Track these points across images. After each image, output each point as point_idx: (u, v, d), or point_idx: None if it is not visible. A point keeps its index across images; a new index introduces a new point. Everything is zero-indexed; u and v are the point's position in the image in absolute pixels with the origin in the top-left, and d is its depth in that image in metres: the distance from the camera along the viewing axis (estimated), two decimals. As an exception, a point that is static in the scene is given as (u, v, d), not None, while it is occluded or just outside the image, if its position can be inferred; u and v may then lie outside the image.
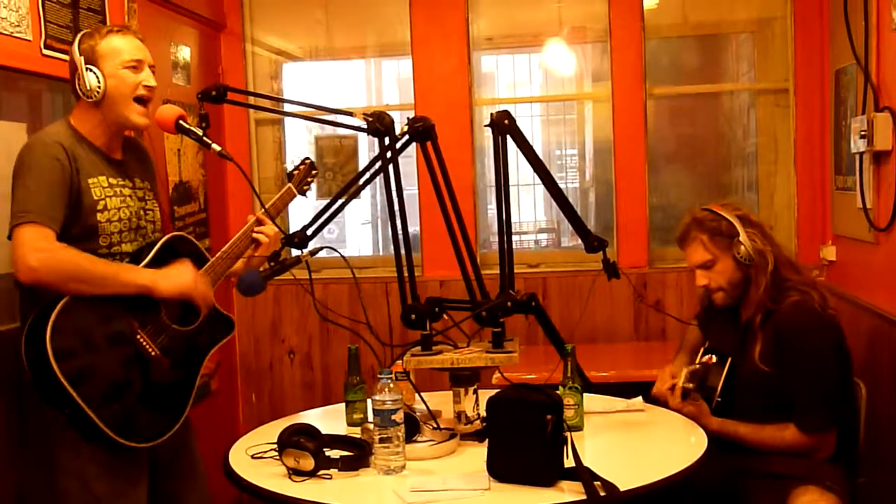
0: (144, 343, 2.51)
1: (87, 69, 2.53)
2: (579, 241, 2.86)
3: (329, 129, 4.76)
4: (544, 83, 5.19)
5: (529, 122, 5.44)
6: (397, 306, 2.74)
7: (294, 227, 4.73)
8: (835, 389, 2.76)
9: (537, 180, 2.83)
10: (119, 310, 2.48)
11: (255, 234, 2.77)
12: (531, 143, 2.78)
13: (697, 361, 2.89)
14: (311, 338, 4.64)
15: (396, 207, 2.67)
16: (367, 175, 2.73)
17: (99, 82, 2.54)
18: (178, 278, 2.57)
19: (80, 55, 2.55)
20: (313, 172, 2.98)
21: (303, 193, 2.96)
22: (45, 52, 2.95)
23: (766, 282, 2.79)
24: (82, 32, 2.63)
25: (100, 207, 2.53)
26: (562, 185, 2.87)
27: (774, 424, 2.75)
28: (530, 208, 6.40)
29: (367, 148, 4.98)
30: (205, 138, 2.65)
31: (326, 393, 4.62)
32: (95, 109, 2.57)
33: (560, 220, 5.30)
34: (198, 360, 2.69)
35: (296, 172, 2.94)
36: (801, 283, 2.84)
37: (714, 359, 2.84)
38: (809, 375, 2.72)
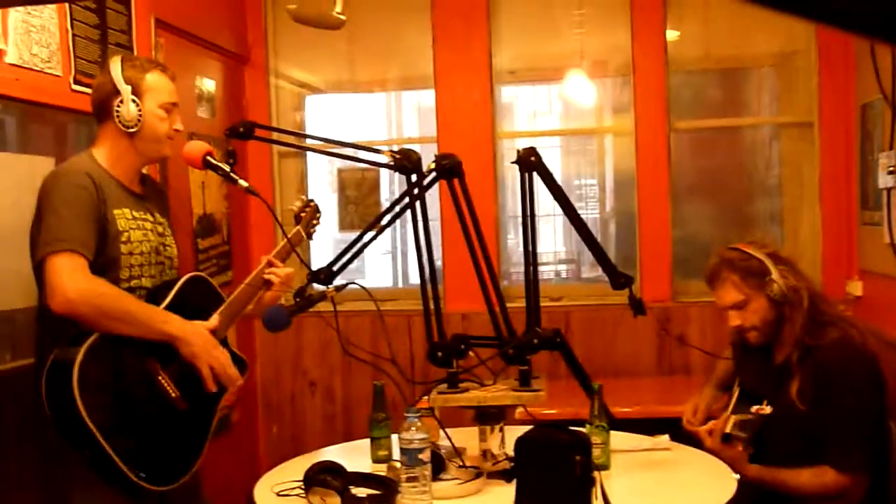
0: (165, 384, 2.49)
1: (132, 99, 2.53)
2: (600, 271, 2.85)
3: (351, 162, 4.78)
4: (564, 114, 5.20)
5: (549, 153, 5.45)
6: (420, 340, 2.73)
7: (315, 260, 4.74)
8: (874, 428, 2.73)
9: (557, 210, 2.82)
10: (142, 350, 2.45)
11: (265, 275, 2.76)
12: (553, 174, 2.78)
13: (750, 409, 2.76)
14: (332, 370, 4.63)
15: (423, 247, 2.67)
16: (393, 213, 2.73)
17: (139, 115, 2.54)
18: (201, 344, 2.52)
19: (127, 83, 2.54)
20: (318, 215, 3.00)
21: (310, 237, 2.97)
22: (75, 87, 2.97)
23: (803, 319, 2.75)
24: (121, 58, 2.61)
25: (123, 239, 2.51)
26: (581, 216, 2.86)
27: (812, 469, 2.70)
28: (550, 238, 6.39)
29: (388, 181, 5.00)
30: (232, 174, 2.64)
31: (348, 426, 4.60)
32: (126, 140, 2.56)
33: (581, 251, 5.30)
34: (213, 402, 2.65)
35: (303, 215, 2.95)
36: (838, 318, 2.81)
37: (768, 409, 2.74)
38: (852, 413, 2.68)
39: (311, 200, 2.97)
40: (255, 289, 2.75)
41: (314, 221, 2.97)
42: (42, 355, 2.45)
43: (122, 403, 2.39)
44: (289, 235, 2.86)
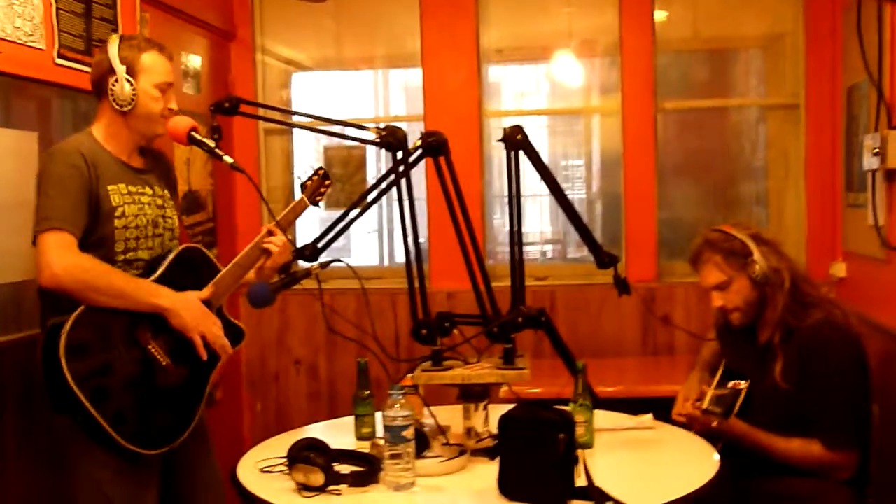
0: (156, 352, 2.53)
1: (126, 78, 2.56)
2: (586, 251, 2.85)
3: (338, 140, 4.76)
4: (551, 94, 5.19)
5: (536, 133, 5.44)
6: (405, 318, 2.73)
7: (302, 238, 4.73)
8: (860, 407, 2.76)
9: (544, 190, 2.82)
10: (132, 319, 2.49)
11: (265, 245, 2.77)
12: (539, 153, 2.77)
13: (727, 385, 2.81)
14: (317, 348, 4.63)
15: (409, 224, 2.66)
16: (379, 189, 2.72)
17: (134, 94, 2.57)
18: (191, 314, 2.55)
19: (122, 63, 2.56)
20: (326, 182, 2.95)
21: (315, 204, 2.95)
22: (58, 61, 2.95)
23: (785, 299, 2.77)
24: (119, 37, 2.64)
25: (118, 214, 2.56)
26: (567, 196, 2.85)
27: (802, 439, 2.72)
28: (536, 218, 6.39)
29: (375, 158, 4.98)
30: (217, 150, 2.64)
31: (332, 404, 4.61)
32: (120, 118, 2.60)
33: (567, 231, 5.30)
34: (207, 369, 2.68)
35: (308, 183, 2.93)
36: (821, 299, 2.83)
37: (743, 384, 2.77)
38: (837, 392, 2.71)
39: (320, 168, 2.97)
40: (254, 258, 2.76)
41: (321, 189, 2.93)
42: (44, 327, 2.49)
43: (110, 371, 2.44)
44: (293, 203, 2.88)
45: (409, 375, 2.64)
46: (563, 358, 2.80)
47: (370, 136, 2.74)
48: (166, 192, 2.77)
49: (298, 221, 4.82)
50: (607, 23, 4.49)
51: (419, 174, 4.05)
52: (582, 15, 4.64)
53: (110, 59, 2.57)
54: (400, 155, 2.69)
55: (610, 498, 2.17)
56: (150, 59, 2.61)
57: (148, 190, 2.68)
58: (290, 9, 4.66)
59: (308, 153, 5.15)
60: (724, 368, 2.91)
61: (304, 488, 2.34)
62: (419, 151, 2.70)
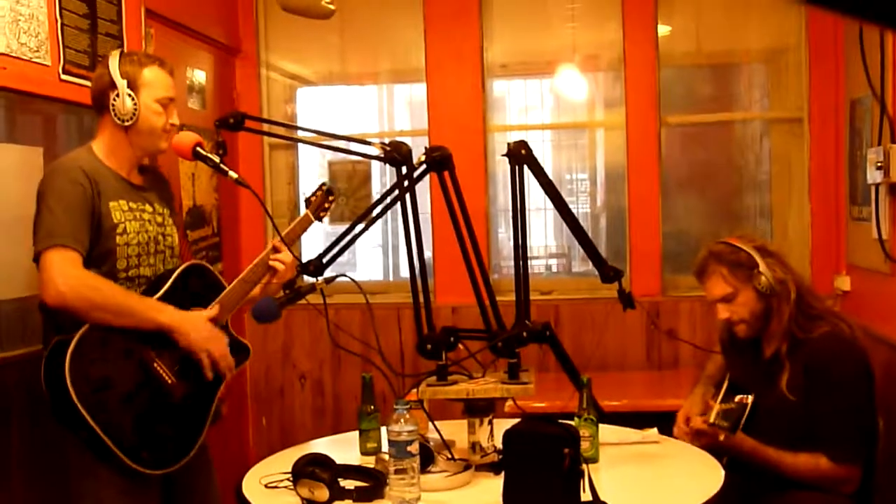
0: (161, 371, 2.52)
1: (127, 93, 2.56)
2: (590, 266, 2.85)
3: (342, 155, 4.76)
4: (555, 108, 5.19)
5: (540, 147, 5.45)
6: (410, 332, 2.73)
7: (307, 253, 4.73)
8: (866, 420, 2.75)
9: (548, 205, 2.83)
10: (137, 337, 2.49)
11: (271, 262, 2.77)
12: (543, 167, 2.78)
13: (733, 399, 2.79)
14: (322, 363, 4.63)
15: (413, 238, 2.66)
16: (384, 204, 2.73)
17: (135, 109, 2.57)
18: (198, 334, 2.56)
19: (123, 77, 2.57)
20: (330, 198, 2.96)
21: (319, 219, 2.96)
22: (64, 77, 2.96)
23: (791, 311, 2.77)
24: (120, 52, 2.66)
25: (119, 231, 2.55)
26: (572, 210, 2.85)
27: (808, 453, 2.71)
28: (541, 233, 6.39)
29: (379, 173, 4.99)
30: (222, 165, 2.64)
31: (337, 419, 4.60)
32: (121, 133, 2.60)
33: (571, 246, 5.30)
34: (213, 387, 2.68)
35: (313, 199, 2.94)
36: (827, 311, 2.83)
37: (749, 398, 2.76)
38: (844, 405, 2.70)
39: (324, 184, 2.98)
40: (259, 275, 2.77)
41: (325, 204, 2.94)
42: (47, 344, 2.49)
43: (115, 389, 2.44)
44: (298, 218, 2.88)
45: (414, 390, 2.64)
46: (567, 372, 2.80)
47: (375, 151, 2.75)
48: (166, 210, 2.77)
49: (303, 236, 4.85)
50: (611, 37, 4.50)
51: (424, 189, 4.07)
52: (586, 30, 4.65)
53: (111, 73, 2.58)
54: (404, 170, 2.69)
55: (615, 513, 2.17)
56: (151, 74, 2.61)
57: (148, 207, 2.68)
58: (295, 24, 4.68)
59: (313, 168, 5.15)
60: (729, 382, 2.90)
61: (309, 503, 2.34)
62: (424, 166, 2.71)
